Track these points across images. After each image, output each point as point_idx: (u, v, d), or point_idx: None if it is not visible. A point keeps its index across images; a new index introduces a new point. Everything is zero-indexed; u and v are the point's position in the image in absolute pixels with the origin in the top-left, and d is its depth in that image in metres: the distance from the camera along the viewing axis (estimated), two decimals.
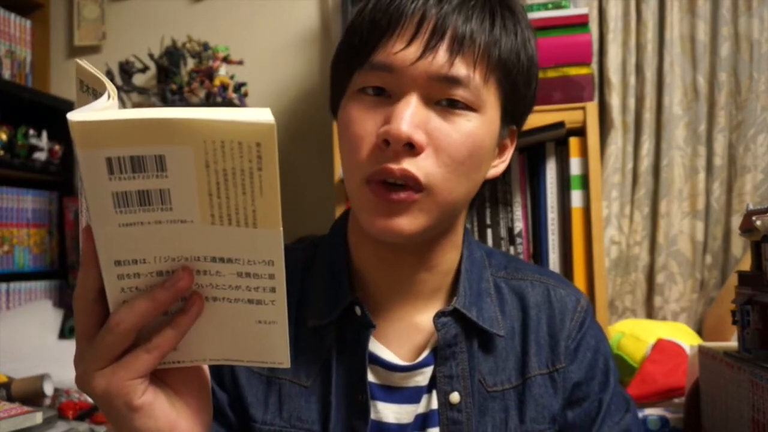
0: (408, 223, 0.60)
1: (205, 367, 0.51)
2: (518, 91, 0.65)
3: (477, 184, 0.65)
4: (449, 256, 0.69)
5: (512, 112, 0.66)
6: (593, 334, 0.72)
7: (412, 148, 0.58)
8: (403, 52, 0.59)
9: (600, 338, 0.73)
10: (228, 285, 0.42)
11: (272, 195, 0.37)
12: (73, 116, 0.34)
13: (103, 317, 0.43)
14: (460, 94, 0.59)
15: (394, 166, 0.58)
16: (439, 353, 0.66)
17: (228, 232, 0.39)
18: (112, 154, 0.35)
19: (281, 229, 0.39)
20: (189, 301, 0.43)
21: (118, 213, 0.37)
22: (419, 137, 0.58)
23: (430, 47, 0.58)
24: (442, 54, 0.59)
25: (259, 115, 0.35)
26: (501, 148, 0.69)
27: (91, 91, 0.42)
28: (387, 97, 0.61)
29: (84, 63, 0.43)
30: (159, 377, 0.47)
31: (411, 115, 0.58)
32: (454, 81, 0.59)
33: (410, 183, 0.59)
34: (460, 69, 0.59)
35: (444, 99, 0.60)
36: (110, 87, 0.40)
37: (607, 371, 0.71)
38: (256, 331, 0.44)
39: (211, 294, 0.43)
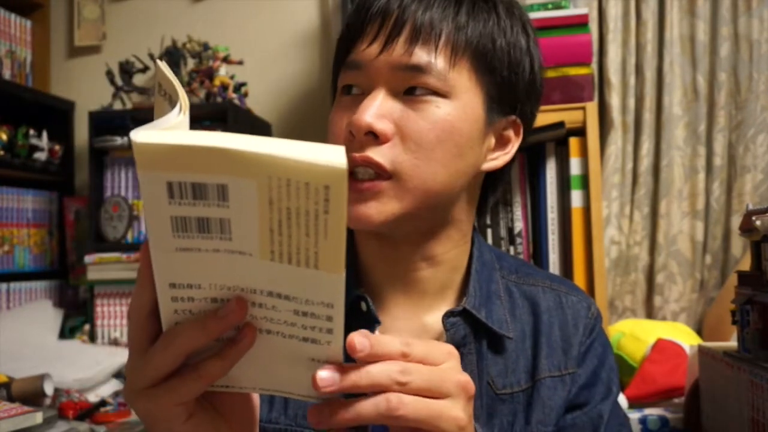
0: (376, 211, 0.61)
1: (255, 395, 0.50)
2: (501, 77, 0.65)
3: (462, 173, 0.65)
4: (452, 252, 0.69)
5: (501, 100, 0.66)
6: (601, 342, 0.72)
7: (376, 138, 0.60)
8: (369, 48, 0.62)
9: (606, 347, 0.73)
10: (283, 321, 0.41)
11: (337, 239, 0.36)
12: (136, 136, 0.33)
13: (156, 333, 0.42)
14: (423, 80, 0.61)
15: (356, 155, 0.60)
16: None
17: (287, 270, 0.37)
18: (174, 179, 0.34)
19: (344, 273, 0.37)
20: (241, 332, 0.42)
21: (176, 237, 0.36)
22: (381, 126, 0.60)
23: (390, 40, 0.61)
24: (401, 44, 0.61)
25: (331, 155, 0.33)
26: (502, 140, 0.69)
27: (168, 97, 0.41)
28: (360, 94, 0.64)
29: (164, 66, 0.42)
30: (206, 398, 0.47)
31: (375, 107, 0.60)
32: (415, 68, 0.61)
33: (373, 169, 0.60)
34: (421, 56, 0.61)
35: (409, 87, 0.62)
36: (183, 97, 0.39)
37: (609, 383, 0.71)
38: (309, 368, 0.43)
39: (265, 327, 0.42)
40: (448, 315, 0.65)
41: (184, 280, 0.39)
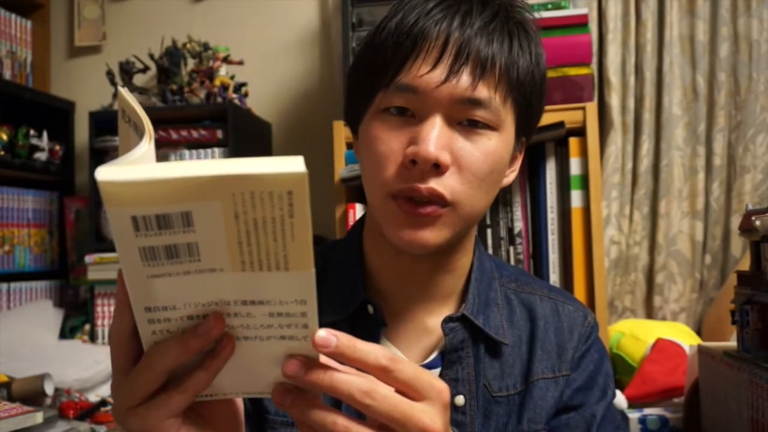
0: (433, 236, 0.62)
1: (238, 399, 0.51)
2: (532, 108, 0.68)
3: (495, 195, 0.68)
4: (463, 261, 0.71)
5: (525, 127, 0.69)
6: (597, 349, 0.74)
7: (437, 168, 0.61)
8: (428, 75, 0.61)
9: (603, 355, 0.75)
10: (260, 325, 0.42)
11: (304, 239, 0.37)
12: (100, 174, 0.34)
13: (138, 354, 0.43)
14: (481, 114, 0.62)
15: (421, 186, 0.61)
16: (446, 357, 0.68)
17: (259, 276, 0.39)
18: (138, 213, 0.35)
19: (313, 270, 0.39)
20: (220, 343, 0.43)
21: (146, 266, 0.37)
22: (445, 158, 0.60)
23: (454, 71, 0.61)
24: (465, 77, 0.61)
25: (290, 165, 0.34)
26: (512, 159, 0.71)
27: (133, 124, 0.42)
28: (410, 116, 0.63)
29: (126, 92, 0.43)
30: (192, 408, 0.48)
31: (437, 137, 0.60)
32: (477, 103, 0.61)
33: (436, 200, 0.61)
34: (482, 91, 0.61)
35: (466, 119, 0.62)
36: (148, 125, 0.40)
37: (605, 388, 0.73)
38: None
39: (242, 334, 0.43)
40: (447, 320, 0.67)
41: (159, 303, 0.40)
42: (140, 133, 0.40)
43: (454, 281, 0.71)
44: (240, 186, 0.35)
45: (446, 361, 0.67)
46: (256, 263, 0.38)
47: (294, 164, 0.34)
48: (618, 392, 1.30)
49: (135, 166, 0.35)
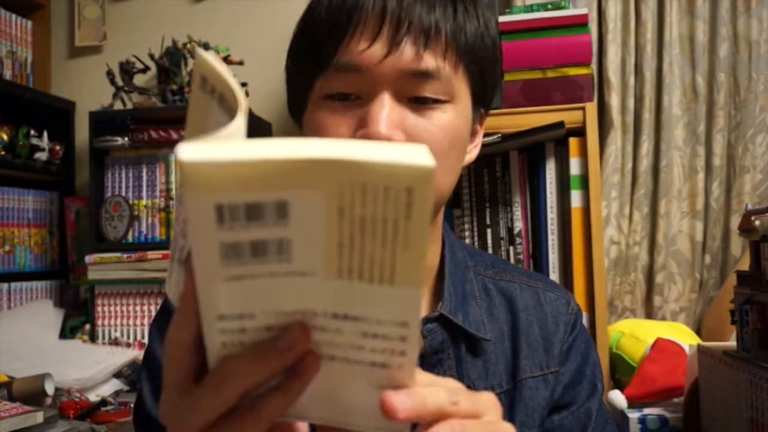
0: None
1: (303, 424, 0.44)
2: (486, 75, 0.63)
3: (459, 173, 0.64)
4: (432, 251, 0.67)
5: (482, 96, 0.65)
6: (583, 339, 0.71)
7: None
8: (369, 50, 0.57)
9: (588, 343, 0.72)
10: (349, 344, 0.35)
11: (418, 249, 0.31)
12: (184, 153, 0.27)
13: (198, 369, 0.37)
14: (432, 87, 0.58)
15: None
16: (426, 360, 0.64)
17: (357, 288, 0.32)
18: (224, 201, 0.29)
19: (422, 289, 0.33)
20: (303, 362, 0.36)
21: (226, 266, 0.31)
22: (398, 137, 0.56)
23: (396, 42, 0.56)
24: (409, 48, 0.57)
25: (415, 155, 0.28)
26: (473, 133, 0.67)
27: (217, 96, 0.35)
28: (356, 98, 0.59)
29: (209, 56, 0.34)
30: None
31: (387, 116, 0.56)
32: (425, 74, 0.57)
33: None
34: (429, 61, 0.57)
35: (416, 94, 0.58)
36: (242, 99, 0.33)
37: (594, 379, 0.70)
38: (376, 395, 0.36)
39: (327, 352, 0.36)
40: (424, 321, 0.63)
41: (235, 310, 0.33)
42: (227, 107, 0.34)
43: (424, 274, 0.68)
44: (349, 174, 0.29)
45: (426, 365, 0.63)
46: (356, 271, 0.32)
47: (419, 155, 0.28)
48: (618, 392, 1.30)
49: (225, 145, 0.29)
